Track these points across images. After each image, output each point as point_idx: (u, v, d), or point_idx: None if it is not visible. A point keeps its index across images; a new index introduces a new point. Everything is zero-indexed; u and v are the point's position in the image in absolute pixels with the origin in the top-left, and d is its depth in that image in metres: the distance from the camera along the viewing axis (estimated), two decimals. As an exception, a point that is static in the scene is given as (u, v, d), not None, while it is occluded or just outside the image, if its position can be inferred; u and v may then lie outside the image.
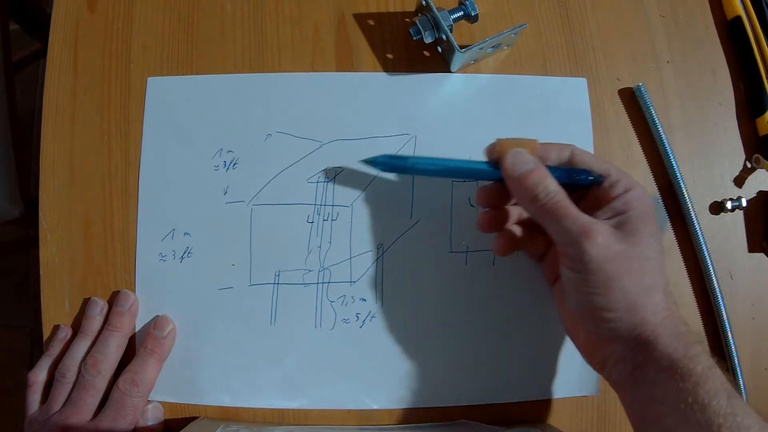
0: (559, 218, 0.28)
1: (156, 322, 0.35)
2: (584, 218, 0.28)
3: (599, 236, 0.27)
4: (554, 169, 0.30)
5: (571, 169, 0.31)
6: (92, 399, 0.33)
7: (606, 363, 0.30)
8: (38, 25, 0.77)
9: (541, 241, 0.34)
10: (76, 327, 0.36)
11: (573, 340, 0.33)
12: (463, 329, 0.36)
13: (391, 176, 0.37)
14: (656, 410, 0.27)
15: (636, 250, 0.28)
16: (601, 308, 0.28)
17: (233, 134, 0.37)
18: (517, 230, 0.34)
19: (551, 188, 0.29)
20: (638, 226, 0.28)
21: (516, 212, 0.35)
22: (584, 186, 0.31)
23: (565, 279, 0.29)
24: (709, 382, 0.25)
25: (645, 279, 0.28)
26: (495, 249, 0.34)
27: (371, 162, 0.34)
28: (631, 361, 0.28)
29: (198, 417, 0.36)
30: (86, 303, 0.36)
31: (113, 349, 0.34)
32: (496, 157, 0.31)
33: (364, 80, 0.38)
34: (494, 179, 0.31)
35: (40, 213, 0.37)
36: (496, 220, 0.34)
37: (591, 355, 0.31)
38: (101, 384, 0.34)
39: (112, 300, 0.36)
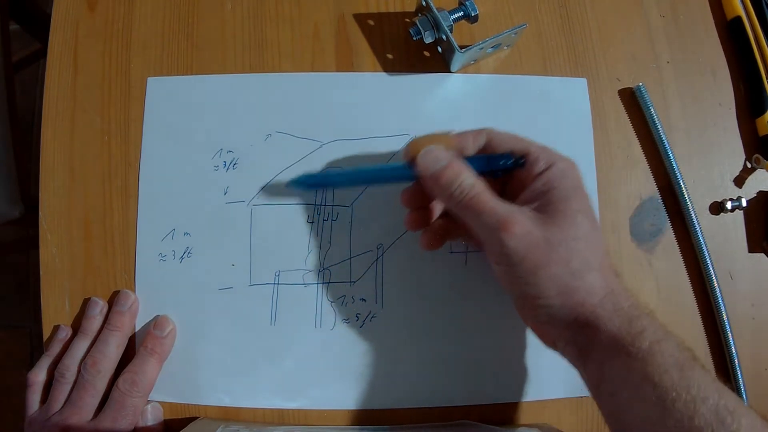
0: (476, 213, 0.28)
1: (156, 322, 0.35)
2: (501, 210, 0.27)
3: (516, 227, 0.27)
4: (474, 159, 0.30)
5: (491, 156, 0.30)
6: (92, 399, 0.33)
7: (556, 346, 0.30)
8: (38, 25, 0.77)
9: (467, 227, 0.33)
10: (77, 327, 0.36)
11: (523, 320, 0.32)
12: (463, 329, 0.36)
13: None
14: (608, 389, 0.27)
15: (560, 233, 0.27)
16: (533, 296, 0.27)
17: (233, 134, 0.37)
18: (444, 223, 0.34)
19: (465, 183, 0.28)
20: (560, 205, 0.27)
21: (440, 206, 0.34)
22: (508, 170, 0.30)
23: (495, 271, 0.29)
24: (658, 357, 0.25)
25: (573, 262, 0.27)
26: (421, 244, 0.33)
27: (294, 184, 0.35)
28: (575, 343, 0.28)
29: (198, 417, 0.36)
30: (86, 303, 0.36)
31: (113, 348, 0.34)
32: (411, 156, 0.30)
33: (364, 80, 0.38)
34: (413, 179, 0.31)
35: (40, 213, 0.37)
36: (424, 217, 0.34)
37: (541, 335, 0.31)
38: (101, 384, 0.34)
39: (113, 300, 0.36)
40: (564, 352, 0.29)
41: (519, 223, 0.27)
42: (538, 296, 0.27)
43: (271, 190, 0.37)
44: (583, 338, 0.27)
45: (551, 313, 0.28)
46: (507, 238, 0.27)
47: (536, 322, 0.30)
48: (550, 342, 0.30)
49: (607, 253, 0.28)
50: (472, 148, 0.31)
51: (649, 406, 0.24)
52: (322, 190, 0.37)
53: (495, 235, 0.27)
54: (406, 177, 0.32)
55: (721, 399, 0.24)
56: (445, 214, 0.34)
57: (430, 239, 0.33)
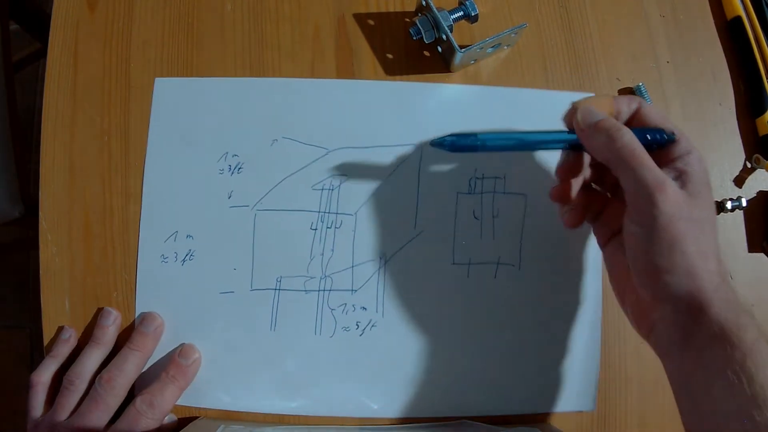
0: (636, 166, 0.28)
1: (182, 350, 0.35)
2: (659, 171, 0.28)
3: (672, 193, 0.27)
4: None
5: (645, 129, 0.30)
6: (103, 414, 0.33)
7: (655, 327, 0.29)
8: (38, 25, 0.77)
9: (597, 200, 0.34)
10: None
11: (621, 302, 0.32)
12: (463, 342, 0.36)
13: (395, 185, 0.37)
14: (703, 379, 0.27)
15: (699, 212, 0.27)
16: (662, 269, 0.27)
17: (239, 138, 0.37)
18: (584, 198, 0.34)
19: (627, 136, 0.28)
20: (700, 188, 0.28)
21: (577, 185, 0.34)
22: (660, 146, 0.30)
23: (628, 234, 0.29)
24: (757, 354, 0.25)
25: (704, 243, 0.27)
26: (566, 222, 0.33)
27: (439, 144, 0.31)
28: (682, 326, 0.28)
29: (198, 417, 0.36)
30: (99, 312, 0.36)
31: (131, 367, 0.34)
32: (573, 116, 0.30)
33: (372, 88, 0.38)
34: (571, 143, 0.31)
35: (40, 213, 0.37)
36: (567, 191, 0.33)
37: (639, 318, 0.30)
38: (113, 401, 0.33)
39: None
40: (662, 336, 0.29)
41: (674, 189, 0.27)
42: (667, 270, 0.27)
43: (275, 195, 0.37)
44: (691, 321, 0.27)
45: (671, 290, 0.27)
46: (662, 200, 0.27)
47: (651, 296, 0.29)
48: (648, 322, 0.30)
49: (719, 246, 0.29)
50: (626, 113, 0.31)
51: (741, 399, 0.25)
52: (337, 193, 0.37)
53: (650, 193, 0.27)
54: (564, 141, 0.31)
55: None
56: (584, 189, 0.34)
57: (575, 216, 0.33)
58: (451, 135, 0.31)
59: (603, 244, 0.33)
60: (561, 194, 0.33)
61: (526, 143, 0.32)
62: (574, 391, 0.36)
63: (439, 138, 0.31)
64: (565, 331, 0.36)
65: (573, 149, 0.31)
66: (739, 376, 0.25)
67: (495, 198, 0.37)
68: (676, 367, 0.28)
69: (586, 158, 0.33)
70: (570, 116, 0.31)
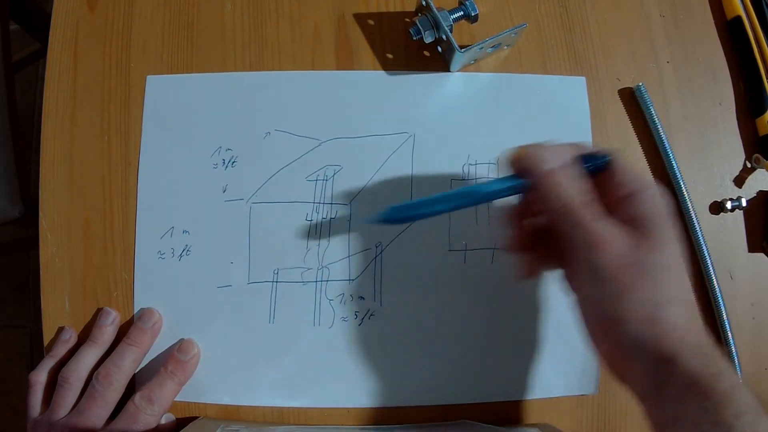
0: (572, 224, 0.27)
1: (181, 346, 0.35)
2: (596, 225, 0.26)
3: (613, 244, 0.26)
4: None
5: (583, 157, 0.29)
6: (101, 410, 0.33)
7: (626, 378, 0.28)
8: (38, 25, 0.77)
9: (554, 252, 0.31)
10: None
11: (595, 353, 0.30)
12: (462, 327, 0.36)
13: (389, 174, 0.37)
14: (681, 430, 0.25)
15: (653, 257, 0.26)
16: (615, 321, 0.26)
17: (232, 132, 0.38)
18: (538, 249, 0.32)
19: (567, 192, 0.27)
20: (656, 230, 0.26)
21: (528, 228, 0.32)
22: (598, 169, 0.29)
23: (579, 289, 0.28)
24: (733, 402, 0.24)
25: (663, 290, 0.26)
26: (520, 275, 0.31)
27: (377, 220, 0.30)
28: (653, 377, 0.26)
29: (198, 417, 0.36)
30: (98, 312, 0.36)
31: (128, 363, 0.34)
32: (519, 162, 0.29)
33: (363, 79, 0.38)
34: (517, 189, 0.29)
35: (40, 213, 0.37)
36: (521, 238, 0.31)
37: (613, 369, 0.29)
38: (111, 397, 0.33)
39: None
40: (634, 386, 0.28)
41: (617, 240, 0.26)
42: (618, 322, 0.26)
43: (270, 188, 0.37)
44: (662, 374, 0.26)
45: (630, 342, 0.26)
46: (602, 254, 0.26)
47: (613, 351, 0.28)
48: (622, 374, 0.29)
49: (691, 289, 0.27)
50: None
51: None
52: (331, 184, 0.37)
53: (588, 250, 0.26)
54: (509, 190, 0.29)
55: None
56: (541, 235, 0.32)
57: (529, 267, 0.31)
58: (389, 208, 0.30)
59: (570, 294, 0.30)
60: (520, 241, 0.31)
61: (467, 199, 0.30)
62: (576, 375, 0.36)
63: (377, 214, 0.30)
64: (564, 315, 0.36)
65: (520, 192, 0.30)
66: (714, 428, 0.24)
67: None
68: (656, 415, 0.27)
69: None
70: (516, 160, 0.29)
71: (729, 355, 0.37)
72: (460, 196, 0.30)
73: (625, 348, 0.27)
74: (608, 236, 0.26)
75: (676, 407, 0.26)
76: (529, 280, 0.31)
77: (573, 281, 0.29)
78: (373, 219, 0.30)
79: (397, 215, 0.30)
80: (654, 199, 0.28)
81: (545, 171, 0.28)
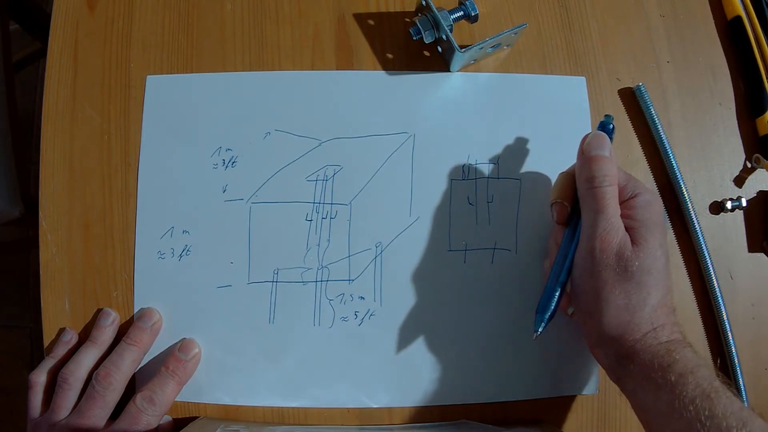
0: (598, 208, 0.29)
1: (181, 345, 0.35)
2: (614, 221, 0.29)
3: (612, 244, 0.28)
4: None
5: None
6: (101, 411, 0.33)
7: (600, 362, 0.31)
8: (38, 25, 0.77)
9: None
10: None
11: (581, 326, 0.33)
12: (462, 328, 0.36)
13: (389, 174, 0.37)
14: (643, 416, 0.29)
15: (636, 261, 0.28)
16: (594, 312, 0.29)
17: (232, 132, 0.38)
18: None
19: (609, 179, 0.29)
20: (645, 236, 0.29)
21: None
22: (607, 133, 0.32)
23: (575, 267, 0.31)
24: (684, 389, 0.26)
25: (634, 297, 0.28)
26: (558, 218, 0.33)
27: (540, 323, 0.31)
28: (614, 371, 0.30)
29: (198, 417, 0.36)
30: (98, 312, 0.36)
31: (128, 362, 0.34)
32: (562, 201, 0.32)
33: (363, 79, 0.38)
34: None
35: (40, 213, 0.37)
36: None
37: (590, 349, 0.32)
38: (111, 397, 0.33)
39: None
40: (606, 372, 0.31)
41: (616, 241, 0.29)
42: (597, 314, 0.29)
43: (270, 188, 0.37)
44: (620, 369, 0.29)
45: (601, 333, 0.29)
46: (598, 248, 0.29)
47: (589, 334, 0.31)
48: (596, 356, 0.32)
49: (671, 290, 0.30)
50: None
51: None
52: (331, 184, 0.37)
53: (592, 240, 0.29)
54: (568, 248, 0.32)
55: (745, 428, 0.24)
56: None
57: (563, 210, 0.33)
58: (544, 313, 0.31)
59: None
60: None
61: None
62: (576, 375, 0.37)
63: (541, 320, 0.31)
64: (564, 315, 0.36)
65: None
66: (670, 414, 0.26)
67: (489, 183, 0.38)
68: (627, 397, 0.30)
69: None
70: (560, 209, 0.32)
71: (729, 355, 0.37)
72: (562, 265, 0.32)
73: (597, 337, 0.30)
74: (614, 234, 0.29)
75: (635, 396, 0.29)
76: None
77: (578, 260, 0.31)
78: (539, 323, 0.31)
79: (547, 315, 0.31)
80: (649, 204, 0.30)
81: (596, 156, 0.30)
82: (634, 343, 0.28)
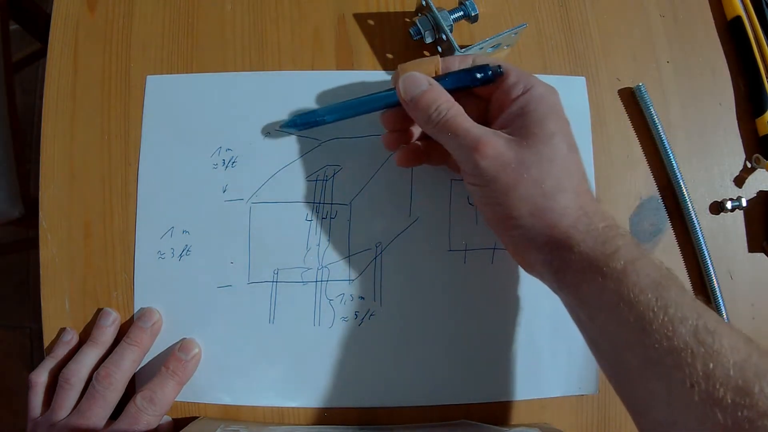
0: (452, 135, 0.28)
1: (182, 345, 0.35)
2: (475, 131, 0.28)
3: (489, 147, 0.27)
4: (453, 74, 0.31)
5: (470, 69, 0.31)
6: (101, 411, 0.33)
7: (533, 269, 0.30)
8: (38, 25, 0.77)
9: (444, 151, 0.33)
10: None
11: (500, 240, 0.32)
12: (462, 327, 0.36)
13: (389, 174, 0.37)
14: (586, 313, 0.26)
15: (532, 154, 0.27)
16: (505, 217, 0.28)
17: (232, 132, 0.38)
18: (424, 145, 0.34)
19: (443, 107, 0.29)
20: (535, 128, 0.28)
21: (418, 130, 0.35)
22: (488, 80, 0.31)
23: (469, 192, 0.30)
24: (632, 276, 0.24)
25: (546, 183, 0.27)
26: (397, 160, 0.34)
27: (286, 126, 0.36)
28: (550, 266, 0.27)
29: (198, 417, 0.36)
30: (98, 312, 0.36)
31: (128, 362, 0.34)
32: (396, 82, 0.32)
33: (363, 79, 0.38)
34: (398, 104, 0.32)
35: (40, 213, 0.37)
36: (403, 139, 0.35)
37: (519, 259, 0.31)
38: (112, 397, 0.33)
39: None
40: (542, 277, 0.29)
41: (491, 144, 0.27)
42: (510, 216, 0.28)
43: (269, 188, 0.37)
44: (558, 260, 0.27)
45: (525, 234, 0.28)
46: (479, 159, 0.27)
47: (512, 245, 0.30)
48: (529, 266, 0.30)
49: (585, 177, 0.28)
50: (457, 68, 0.32)
51: (626, 328, 0.24)
52: (331, 184, 0.37)
53: (468, 155, 0.28)
54: (392, 103, 0.33)
55: (701, 319, 0.23)
56: (424, 137, 0.35)
57: (406, 155, 0.34)
58: (294, 116, 0.36)
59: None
60: (390, 142, 0.34)
61: (360, 107, 0.34)
62: (576, 375, 0.37)
63: (285, 121, 0.36)
64: (564, 315, 0.36)
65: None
66: (618, 305, 0.24)
67: None
68: (564, 302, 0.28)
69: None
70: (396, 78, 0.32)
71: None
72: (352, 105, 0.34)
73: (522, 240, 0.28)
74: (486, 139, 0.28)
75: (577, 291, 0.26)
76: (406, 167, 0.35)
77: (468, 185, 0.30)
78: (283, 125, 0.36)
79: (300, 120, 0.35)
80: (541, 96, 0.29)
81: (414, 95, 0.30)
82: (567, 228, 0.26)
